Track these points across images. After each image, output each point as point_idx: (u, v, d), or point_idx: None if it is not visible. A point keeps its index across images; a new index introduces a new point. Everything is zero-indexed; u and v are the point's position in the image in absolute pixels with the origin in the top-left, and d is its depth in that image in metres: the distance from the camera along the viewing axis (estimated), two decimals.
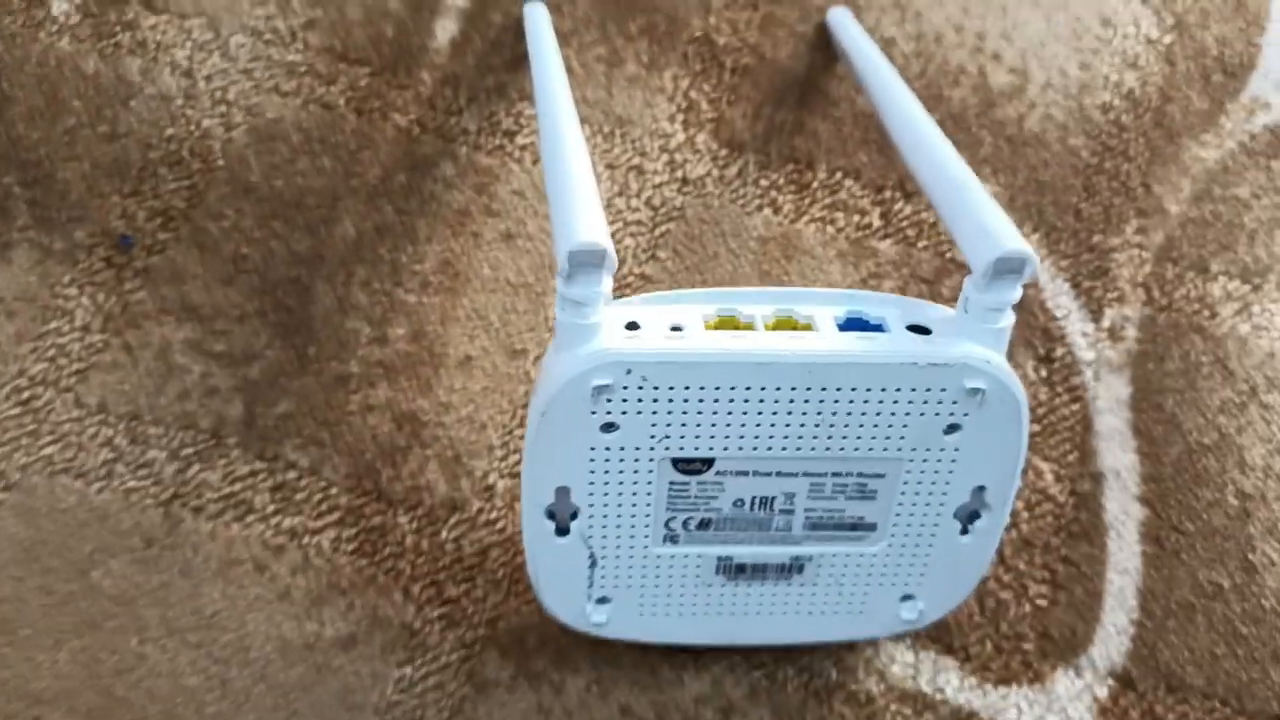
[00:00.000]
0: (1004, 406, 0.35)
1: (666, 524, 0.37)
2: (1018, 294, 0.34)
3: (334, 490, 0.43)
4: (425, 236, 0.48)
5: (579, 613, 0.39)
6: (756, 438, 0.35)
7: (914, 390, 0.34)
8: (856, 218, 0.50)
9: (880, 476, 0.37)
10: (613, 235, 0.49)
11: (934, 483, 0.37)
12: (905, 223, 0.50)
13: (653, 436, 0.35)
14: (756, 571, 0.39)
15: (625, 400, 0.34)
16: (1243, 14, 0.56)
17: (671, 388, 0.34)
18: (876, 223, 0.50)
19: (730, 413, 0.34)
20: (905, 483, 0.37)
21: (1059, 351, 0.48)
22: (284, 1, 0.52)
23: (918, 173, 0.38)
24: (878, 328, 0.35)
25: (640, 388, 0.34)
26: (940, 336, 0.35)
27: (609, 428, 0.34)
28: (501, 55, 0.52)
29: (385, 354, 0.46)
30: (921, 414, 0.35)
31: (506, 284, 0.47)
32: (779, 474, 0.36)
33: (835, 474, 0.36)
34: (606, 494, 0.36)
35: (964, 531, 0.38)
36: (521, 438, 0.45)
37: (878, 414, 0.35)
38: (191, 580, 0.42)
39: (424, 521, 0.43)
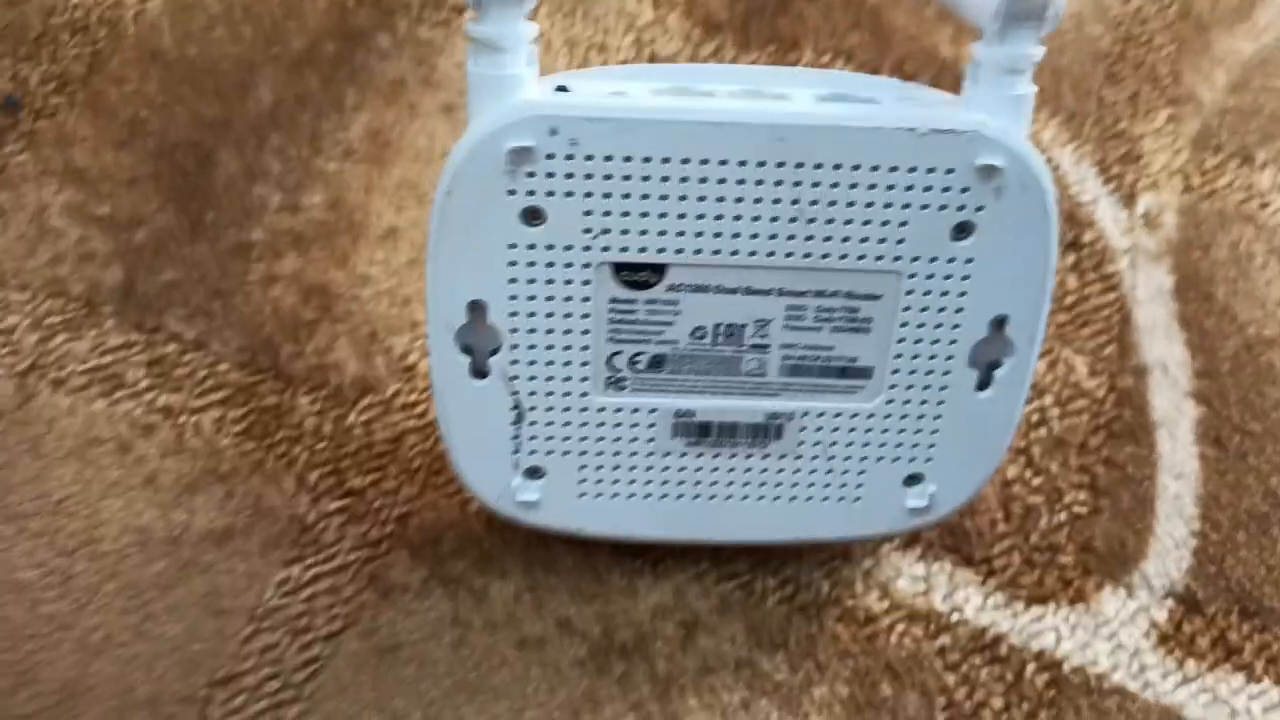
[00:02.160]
0: (1027, 197, 0.28)
1: (609, 361, 0.30)
2: (1039, 52, 0.27)
3: (222, 366, 0.36)
4: (353, 105, 0.42)
5: (503, 489, 0.31)
6: (718, 235, 0.28)
7: (913, 171, 0.27)
8: None
9: (875, 298, 0.29)
10: None
11: (941, 309, 0.29)
12: None
13: (588, 231, 0.28)
14: (724, 433, 0.31)
15: (551, 176, 0.27)
16: None
17: (609, 159, 0.27)
18: None
19: (684, 198, 0.27)
20: (906, 308, 0.29)
21: (1088, 237, 0.41)
22: None
23: None
24: (868, 102, 0.29)
25: (570, 158, 0.27)
26: (946, 107, 0.28)
27: (532, 216, 0.27)
28: None
29: (296, 222, 0.39)
30: (924, 206, 0.28)
31: (442, 154, 0.41)
32: (748, 291, 0.29)
33: (818, 293, 0.29)
34: (533, 313, 0.29)
35: (982, 385, 0.30)
36: None
37: (868, 205, 0.28)
38: (40, 460, 0.34)
39: (328, 403, 0.36)
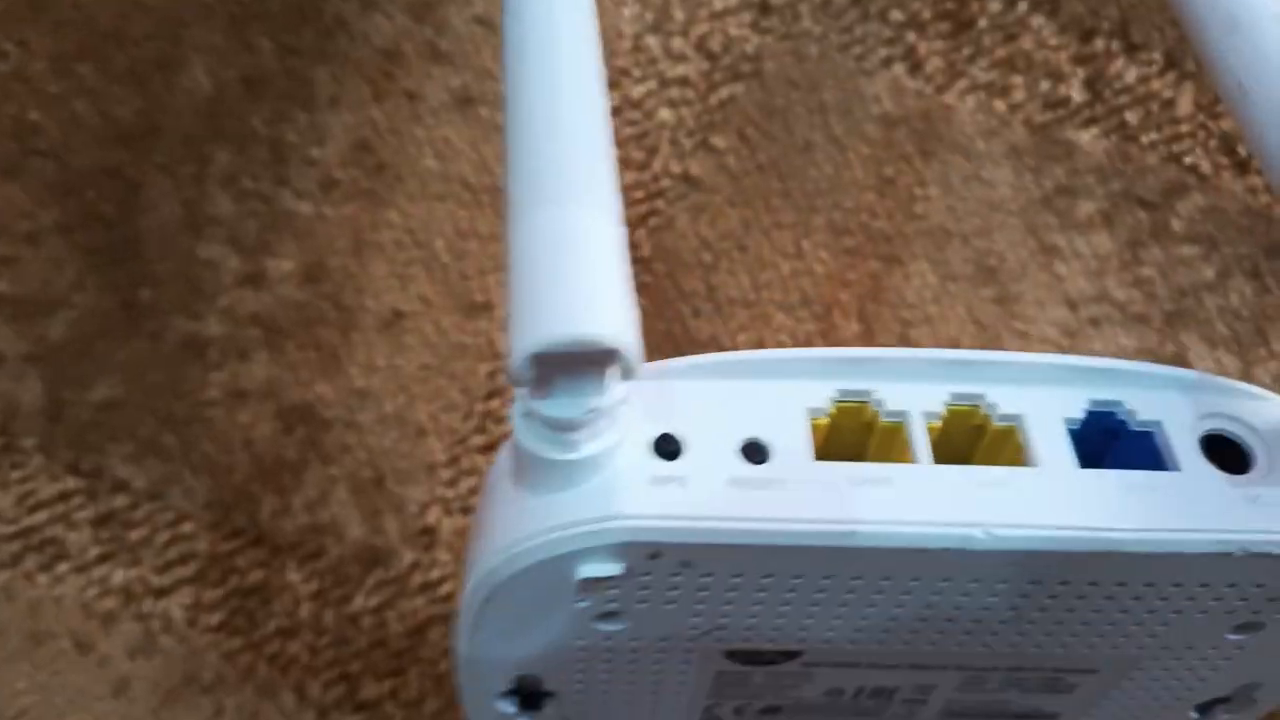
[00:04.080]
0: None
1: (707, 709, 0.22)
2: None
3: (187, 527, 0.28)
4: (328, 97, 0.29)
5: None
6: (886, 633, 0.19)
7: (1204, 587, 0.18)
8: (1045, 86, 0.30)
9: (1091, 673, 0.21)
10: (641, 103, 0.30)
11: (1182, 683, 0.21)
12: (1124, 98, 0.30)
13: (694, 629, 0.19)
14: None
15: (646, 589, 0.17)
16: None
17: (738, 576, 0.17)
18: (1077, 96, 0.30)
19: (846, 605, 0.18)
20: (1134, 681, 0.21)
21: None
22: None
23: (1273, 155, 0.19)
24: (1145, 443, 0.18)
25: (676, 575, 0.17)
26: (1273, 479, 0.18)
27: (613, 615, 0.18)
28: None
29: (262, 303, 0.28)
30: (1202, 613, 0.19)
31: (461, 185, 0.29)
32: (913, 666, 0.21)
33: (1013, 669, 0.21)
34: (605, 685, 0.20)
35: (1200, 718, 0.23)
36: (483, 452, 0.28)
37: (1122, 612, 0.18)
38: None
39: (327, 581, 0.28)
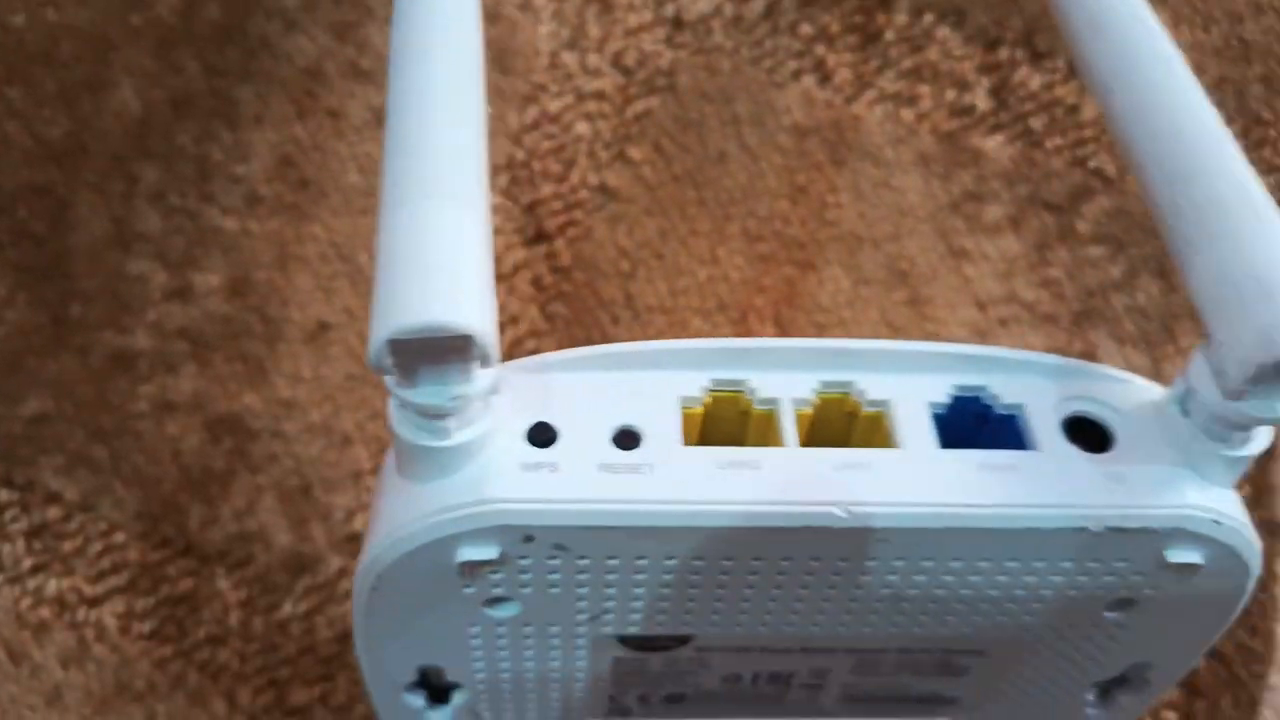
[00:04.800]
0: (1220, 580, 0.19)
1: (612, 698, 0.23)
2: None
3: (119, 537, 0.28)
4: (253, 115, 0.30)
5: None
6: (769, 615, 0.20)
7: (1070, 564, 0.19)
8: (952, 94, 0.31)
9: (979, 654, 0.21)
10: (559, 117, 0.31)
11: (1069, 661, 0.22)
12: (1029, 105, 0.31)
13: (580, 613, 0.19)
14: None
15: (526, 573, 0.18)
16: None
17: (613, 558, 0.18)
18: (983, 104, 0.31)
19: (724, 587, 0.19)
20: (1023, 662, 0.21)
21: None
22: None
23: (1135, 149, 0.20)
24: (1008, 426, 0.19)
25: (553, 559, 0.18)
26: (1131, 458, 0.18)
27: (501, 600, 0.19)
28: None
29: (189, 317, 0.29)
30: (1075, 589, 0.19)
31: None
32: (805, 650, 0.21)
33: (903, 650, 0.21)
34: (506, 672, 0.21)
35: (1097, 702, 0.23)
36: None
37: (993, 591, 0.19)
38: None
39: (256, 588, 0.28)
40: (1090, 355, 0.30)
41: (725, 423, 0.19)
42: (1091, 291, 0.30)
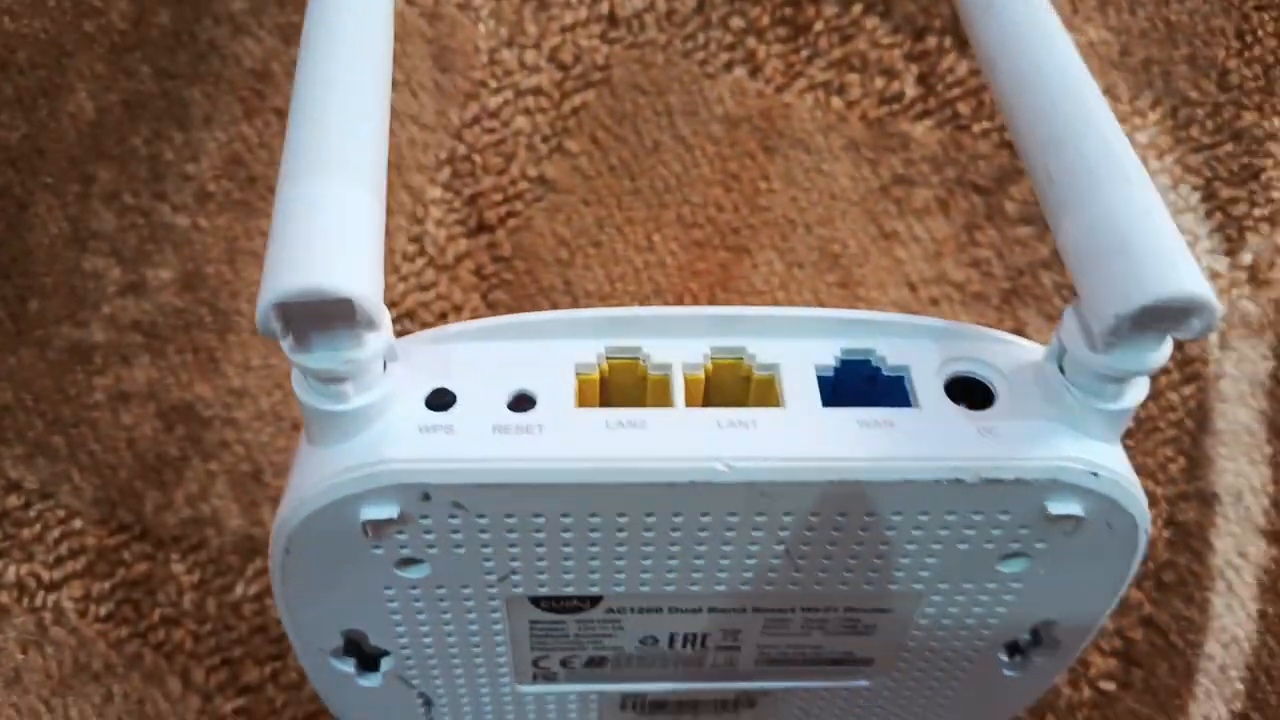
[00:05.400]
0: (1108, 533, 0.20)
1: (535, 662, 0.23)
2: (1164, 356, 0.18)
3: (76, 524, 0.29)
4: (202, 116, 0.31)
5: None
6: (671, 574, 0.20)
7: (952, 515, 0.19)
8: (880, 83, 0.32)
9: (884, 611, 0.22)
10: (498, 112, 0.32)
11: (973, 617, 0.22)
12: (955, 91, 0.32)
13: (489, 573, 0.20)
14: (684, 708, 0.25)
15: (431, 533, 0.19)
16: None
17: (510, 516, 0.19)
18: (911, 91, 0.32)
19: (622, 545, 0.20)
20: (926, 616, 0.22)
21: None
22: None
23: (1015, 117, 0.21)
24: (896, 386, 0.20)
25: (454, 518, 0.19)
26: (1010, 414, 0.19)
27: (412, 562, 0.20)
28: None
29: (142, 311, 0.30)
30: (963, 543, 0.20)
31: None
32: (713, 610, 0.22)
33: (808, 609, 0.22)
34: (427, 636, 0.22)
35: (1011, 662, 0.24)
36: None
37: (884, 546, 0.20)
38: None
39: (209, 570, 0.29)
40: (1020, 332, 0.31)
41: (624, 389, 0.20)
42: (1020, 270, 0.31)
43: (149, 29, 0.31)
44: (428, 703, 0.24)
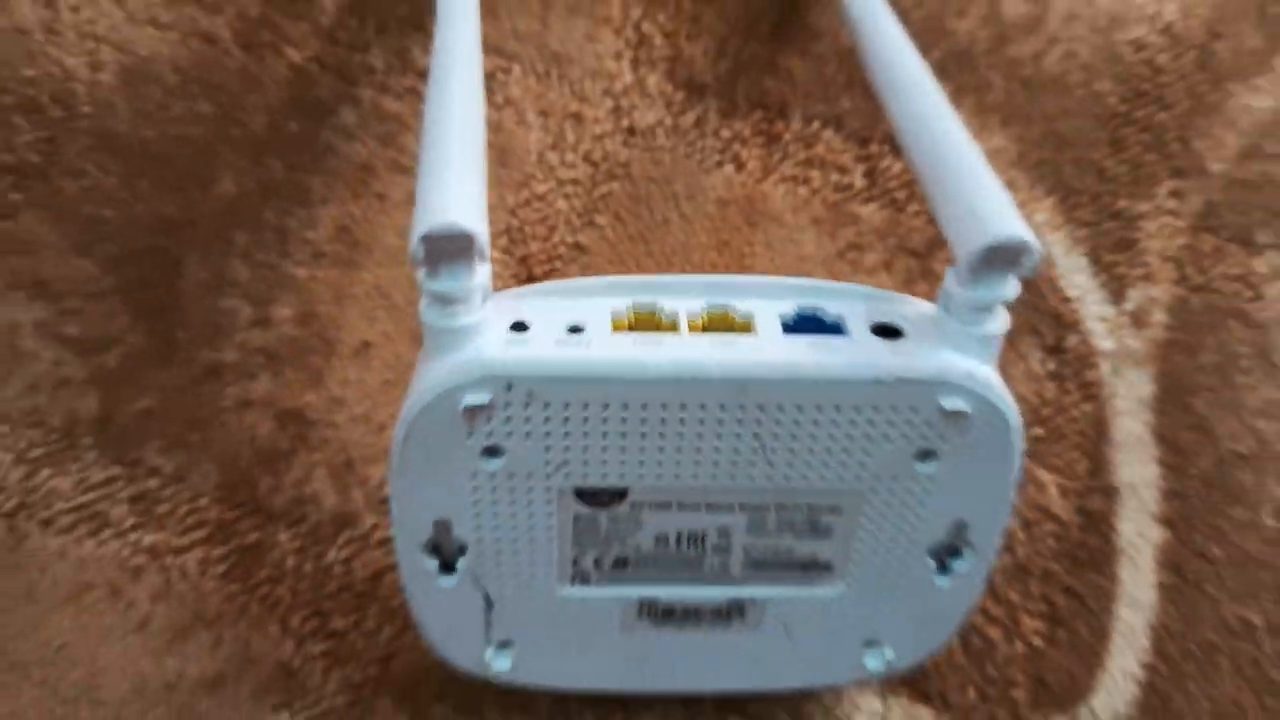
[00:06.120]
0: (991, 431, 0.28)
1: (574, 561, 0.30)
2: (1013, 291, 0.26)
3: (203, 501, 0.37)
4: (320, 198, 0.41)
5: (478, 660, 0.32)
6: (679, 465, 0.28)
7: (876, 411, 0.27)
8: (835, 176, 0.42)
9: (835, 510, 0.30)
10: (544, 196, 0.41)
11: (901, 517, 0.30)
12: (893, 183, 0.42)
13: (548, 463, 0.28)
14: (688, 615, 0.32)
15: (510, 420, 0.27)
16: None
17: (567, 405, 0.27)
18: (859, 183, 0.42)
19: (644, 435, 0.27)
20: (867, 517, 0.30)
21: (1071, 341, 0.40)
22: None
23: (899, 130, 0.30)
24: (835, 328, 0.28)
25: (527, 405, 0.27)
26: (914, 342, 0.27)
27: (492, 452, 0.28)
28: None
29: (267, 339, 0.39)
30: (886, 438, 0.28)
31: None
32: (709, 507, 0.29)
33: (779, 506, 0.29)
34: (497, 528, 0.29)
35: (941, 572, 0.31)
36: None
37: (830, 438, 0.28)
38: (38, 606, 0.35)
39: (308, 540, 0.37)
40: None
41: (648, 330, 0.28)
42: None
43: (281, 134, 0.41)
44: (489, 604, 0.31)
